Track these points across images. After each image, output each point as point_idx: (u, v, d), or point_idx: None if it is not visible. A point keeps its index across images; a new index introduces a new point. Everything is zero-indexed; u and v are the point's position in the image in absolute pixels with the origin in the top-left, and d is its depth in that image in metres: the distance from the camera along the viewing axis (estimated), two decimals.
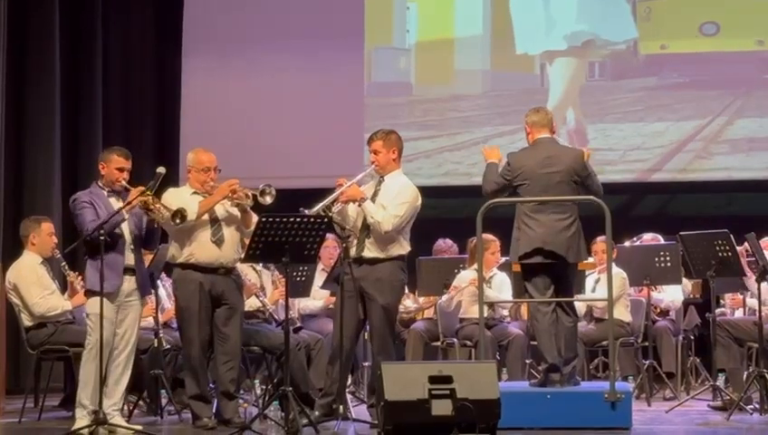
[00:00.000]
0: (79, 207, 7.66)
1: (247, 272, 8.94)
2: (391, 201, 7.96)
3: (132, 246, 7.73)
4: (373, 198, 8.01)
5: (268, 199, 7.71)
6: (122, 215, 7.56)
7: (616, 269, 9.32)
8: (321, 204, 7.84)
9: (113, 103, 12.36)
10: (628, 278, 9.76)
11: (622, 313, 9.70)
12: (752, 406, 8.48)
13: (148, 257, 8.46)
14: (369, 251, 7.95)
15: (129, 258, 7.71)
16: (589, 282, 9.82)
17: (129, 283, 7.73)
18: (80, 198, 7.70)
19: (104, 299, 7.45)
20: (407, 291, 10.32)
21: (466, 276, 9.89)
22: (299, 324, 9.20)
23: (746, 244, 8.71)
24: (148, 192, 7.55)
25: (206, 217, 7.89)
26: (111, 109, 12.31)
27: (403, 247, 8.05)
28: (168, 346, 8.92)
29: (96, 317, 7.51)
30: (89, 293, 7.70)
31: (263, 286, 9.15)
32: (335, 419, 7.83)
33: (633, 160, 12.03)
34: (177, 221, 7.55)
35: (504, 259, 9.84)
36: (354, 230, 7.99)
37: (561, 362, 7.87)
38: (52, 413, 9.07)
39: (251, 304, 8.85)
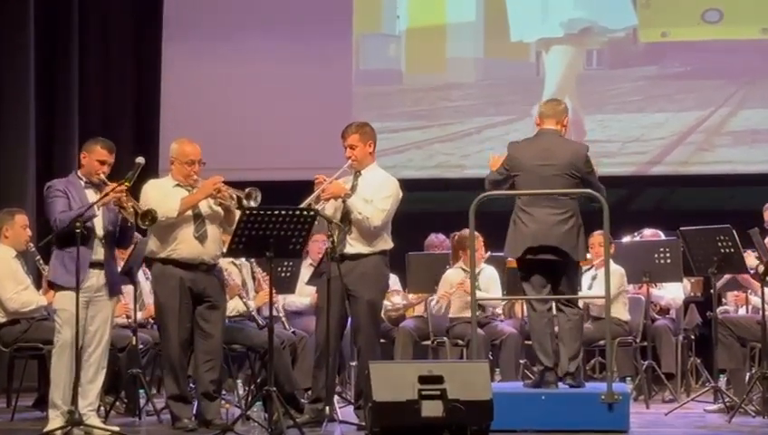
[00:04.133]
0: (51, 195, 7.51)
1: (228, 268, 8.74)
2: (375, 195, 7.86)
3: (103, 242, 7.57)
4: None
5: (253, 204, 7.59)
6: (93, 211, 7.42)
7: (614, 266, 9.30)
8: (303, 203, 7.72)
9: (91, 90, 12.25)
10: (626, 275, 9.68)
11: (620, 311, 9.62)
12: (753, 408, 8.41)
13: (123, 255, 8.36)
14: (352, 247, 7.85)
15: (99, 253, 7.54)
16: (585, 279, 9.74)
17: (98, 277, 7.56)
18: (54, 186, 7.55)
19: (71, 293, 7.30)
20: (397, 287, 10.20)
21: (453, 276, 9.78)
22: (293, 329, 9.02)
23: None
24: (126, 183, 7.43)
25: (188, 212, 7.77)
26: (89, 96, 12.20)
27: (387, 243, 7.97)
28: (142, 345, 8.78)
29: (63, 313, 7.42)
30: (51, 285, 7.63)
31: (244, 281, 9.00)
32: (322, 421, 7.72)
33: (632, 153, 11.94)
34: (147, 223, 7.43)
35: (488, 254, 9.78)
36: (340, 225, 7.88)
37: (563, 358, 7.71)
38: (26, 414, 8.94)
39: (234, 307, 8.71)
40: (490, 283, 9.81)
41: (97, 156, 7.56)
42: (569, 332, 7.73)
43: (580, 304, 9.48)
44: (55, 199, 7.46)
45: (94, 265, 7.49)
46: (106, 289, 7.57)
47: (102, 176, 7.53)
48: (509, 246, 7.83)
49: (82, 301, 7.40)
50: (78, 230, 7.23)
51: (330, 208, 7.90)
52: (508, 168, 7.83)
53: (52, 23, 11.92)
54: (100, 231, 7.51)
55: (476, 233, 9.41)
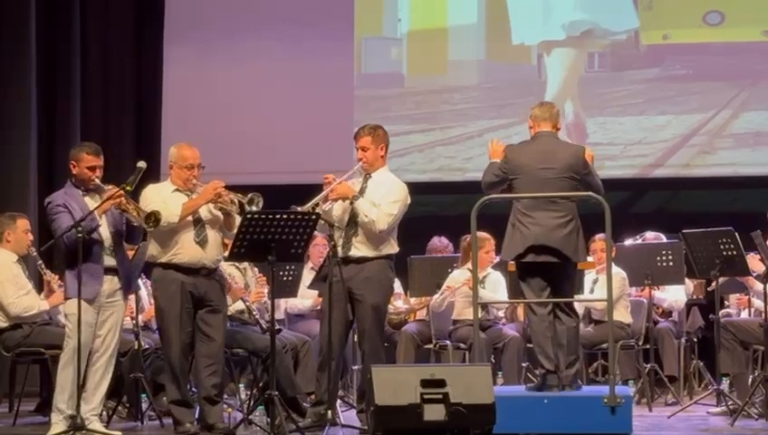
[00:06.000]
0: (54, 211, 7.50)
1: (231, 271, 8.70)
2: (383, 199, 7.85)
3: (112, 247, 7.57)
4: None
5: (254, 209, 7.56)
6: (96, 220, 7.41)
7: (615, 269, 9.25)
8: (311, 202, 7.71)
9: (92, 93, 12.17)
10: (628, 278, 9.64)
11: (622, 314, 9.59)
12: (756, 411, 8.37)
13: (130, 253, 8.28)
14: (358, 250, 7.85)
15: (109, 260, 7.55)
16: (586, 282, 9.67)
17: (111, 283, 7.57)
18: (54, 202, 7.54)
19: (84, 302, 7.32)
20: (399, 291, 10.17)
21: (459, 276, 9.74)
22: (278, 327, 8.97)
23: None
24: (128, 187, 7.41)
25: (188, 216, 7.73)
26: (90, 99, 12.13)
27: (393, 247, 7.96)
28: (147, 347, 8.76)
29: (74, 318, 7.37)
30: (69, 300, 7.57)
31: (247, 284, 8.99)
32: (324, 425, 7.67)
33: (634, 155, 11.85)
34: (151, 225, 7.42)
35: (498, 258, 9.62)
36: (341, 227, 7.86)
37: (562, 365, 7.67)
38: (28, 419, 8.94)
39: (235, 305, 8.68)
40: (496, 287, 9.77)
41: (85, 163, 7.54)
42: (567, 345, 7.65)
43: (583, 308, 9.50)
44: (59, 216, 7.45)
45: (108, 270, 7.51)
46: (120, 293, 7.59)
47: (97, 181, 7.52)
48: (506, 248, 7.76)
49: (95, 307, 7.42)
50: (80, 235, 7.22)
51: (338, 210, 7.88)
52: (506, 171, 7.75)
53: (52, 26, 11.87)
54: (107, 237, 7.51)
55: (488, 235, 9.44)
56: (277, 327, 8.77)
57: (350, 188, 7.87)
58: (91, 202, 7.51)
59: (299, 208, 7.64)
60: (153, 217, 7.36)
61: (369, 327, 7.85)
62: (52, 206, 7.50)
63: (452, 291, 9.70)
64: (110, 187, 7.48)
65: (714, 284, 8.88)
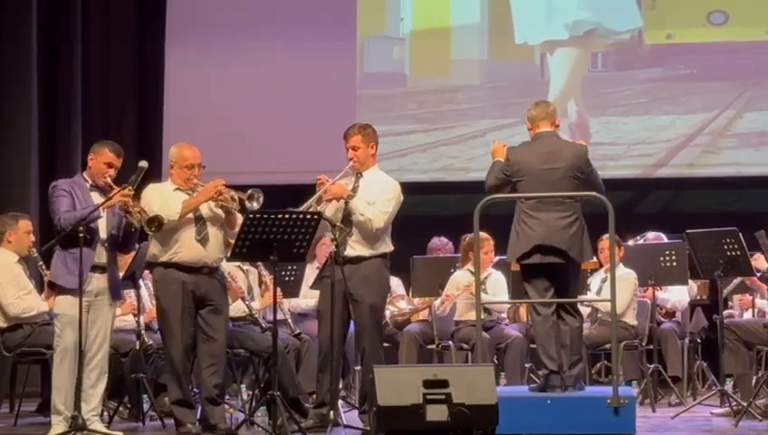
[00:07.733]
0: (56, 193, 7.51)
1: (234, 272, 8.72)
2: (377, 198, 7.85)
3: (106, 245, 7.56)
4: None
5: (255, 206, 7.56)
6: (99, 212, 7.41)
7: (626, 270, 9.28)
8: (305, 204, 7.72)
9: (93, 93, 12.19)
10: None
11: (628, 315, 9.58)
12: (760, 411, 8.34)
13: (126, 260, 8.31)
14: (353, 249, 7.84)
15: (101, 255, 7.54)
16: (595, 282, 9.64)
17: (99, 281, 7.55)
18: (59, 186, 7.56)
19: (72, 297, 7.33)
20: (401, 291, 10.16)
21: (460, 278, 9.71)
22: (298, 331, 8.98)
23: None
24: (130, 187, 7.40)
25: (190, 214, 7.71)
26: (91, 98, 12.14)
27: (388, 245, 7.96)
28: (149, 347, 8.74)
29: (64, 318, 7.42)
30: (52, 285, 7.63)
31: (250, 287, 8.99)
32: (326, 426, 7.67)
33: (638, 155, 11.84)
34: (154, 229, 7.43)
35: (498, 258, 9.68)
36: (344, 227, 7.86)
37: (563, 367, 7.65)
38: (29, 419, 8.91)
39: (237, 309, 8.67)
40: (498, 287, 9.76)
41: (105, 158, 7.56)
42: (570, 345, 7.64)
43: (584, 309, 9.47)
44: (60, 199, 7.45)
45: (96, 268, 7.48)
46: (107, 293, 7.56)
47: (108, 179, 7.53)
48: (512, 249, 7.72)
49: (83, 305, 7.37)
50: (81, 235, 7.22)
51: (330, 210, 7.88)
52: (509, 173, 7.70)
53: (53, 23, 11.87)
54: (103, 234, 7.51)
55: (487, 235, 9.42)
56: (297, 332, 8.82)
57: (344, 187, 7.86)
58: (97, 199, 7.50)
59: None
60: (156, 222, 7.37)
61: (368, 326, 7.85)
62: (57, 189, 7.51)
63: (451, 301, 9.70)
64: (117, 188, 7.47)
65: (719, 285, 8.85)
